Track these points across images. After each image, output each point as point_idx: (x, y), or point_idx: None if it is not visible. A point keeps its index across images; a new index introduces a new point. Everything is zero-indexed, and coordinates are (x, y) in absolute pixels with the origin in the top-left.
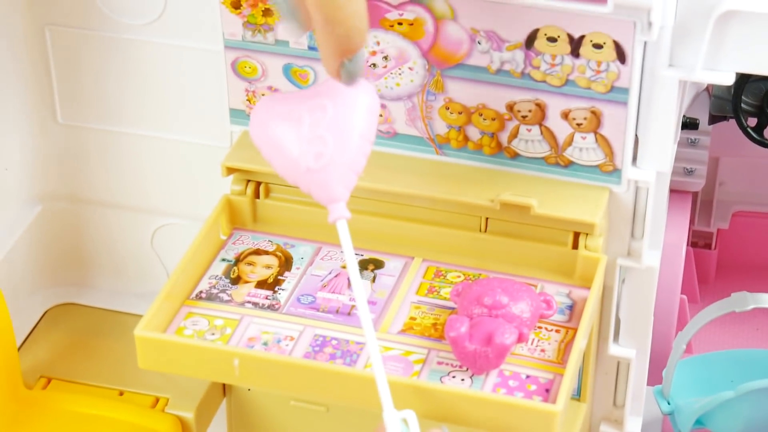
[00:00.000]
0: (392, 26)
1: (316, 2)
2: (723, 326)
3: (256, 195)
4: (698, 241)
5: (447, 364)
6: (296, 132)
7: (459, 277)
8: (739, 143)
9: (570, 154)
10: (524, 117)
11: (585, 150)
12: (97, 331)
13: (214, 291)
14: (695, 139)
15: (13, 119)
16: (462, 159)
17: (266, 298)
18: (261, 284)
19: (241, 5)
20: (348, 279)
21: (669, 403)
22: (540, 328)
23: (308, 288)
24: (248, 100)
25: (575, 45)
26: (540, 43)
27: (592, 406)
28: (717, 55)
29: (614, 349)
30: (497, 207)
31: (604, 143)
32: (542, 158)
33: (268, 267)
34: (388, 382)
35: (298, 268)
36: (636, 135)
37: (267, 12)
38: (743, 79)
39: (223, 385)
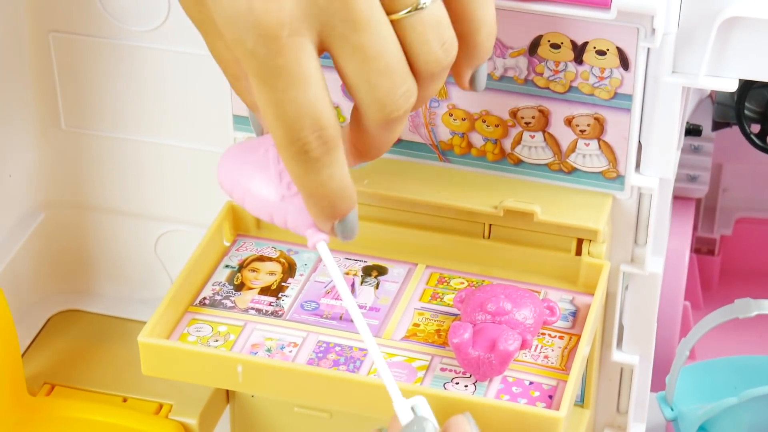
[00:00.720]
0: None
1: (295, 179)
2: (726, 333)
3: None
4: (701, 248)
5: (450, 370)
6: (264, 167)
7: (462, 283)
8: (742, 150)
9: (573, 160)
10: (527, 123)
11: (588, 156)
12: (100, 337)
13: (218, 297)
14: (698, 146)
15: (16, 126)
16: (465, 165)
17: (270, 305)
18: (264, 291)
19: None
20: (352, 285)
21: (672, 410)
22: (543, 334)
23: (312, 294)
24: None
25: (578, 51)
26: (543, 49)
27: (595, 412)
28: (720, 62)
29: (617, 356)
30: (501, 213)
31: (608, 150)
32: (545, 165)
33: (272, 273)
34: None
35: (301, 275)
36: (639, 141)
37: None
38: (746, 86)
39: (227, 391)
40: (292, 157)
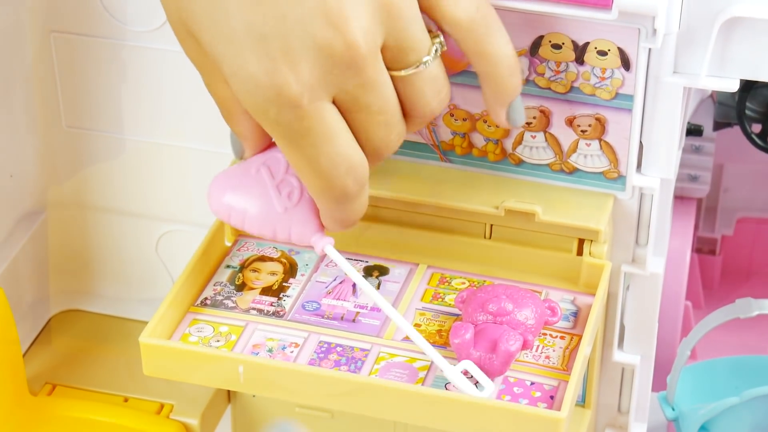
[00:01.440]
0: None
1: (329, 213)
2: (727, 332)
3: None
4: (703, 248)
5: None
6: (260, 186)
7: (464, 283)
8: (743, 150)
9: (574, 160)
10: (529, 124)
11: (589, 157)
12: (102, 337)
13: (219, 298)
14: (699, 146)
15: (17, 125)
16: (466, 166)
17: (271, 305)
18: (266, 291)
19: None
20: (353, 285)
21: (673, 410)
22: (545, 334)
23: (313, 294)
24: None
25: (580, 52)
26: (544, 50)
27: (596, 412)
28: (721, 62)
29: (619, 356)
30: (502, 214)
31: (609, 150)
32: (547, 165)
33: (273, 273)
34: (392, 389)
35: (302, 275)
36: (640, 142)
37: None
38: (748, 86)
39: (228, 391)
40: (332, 200)
